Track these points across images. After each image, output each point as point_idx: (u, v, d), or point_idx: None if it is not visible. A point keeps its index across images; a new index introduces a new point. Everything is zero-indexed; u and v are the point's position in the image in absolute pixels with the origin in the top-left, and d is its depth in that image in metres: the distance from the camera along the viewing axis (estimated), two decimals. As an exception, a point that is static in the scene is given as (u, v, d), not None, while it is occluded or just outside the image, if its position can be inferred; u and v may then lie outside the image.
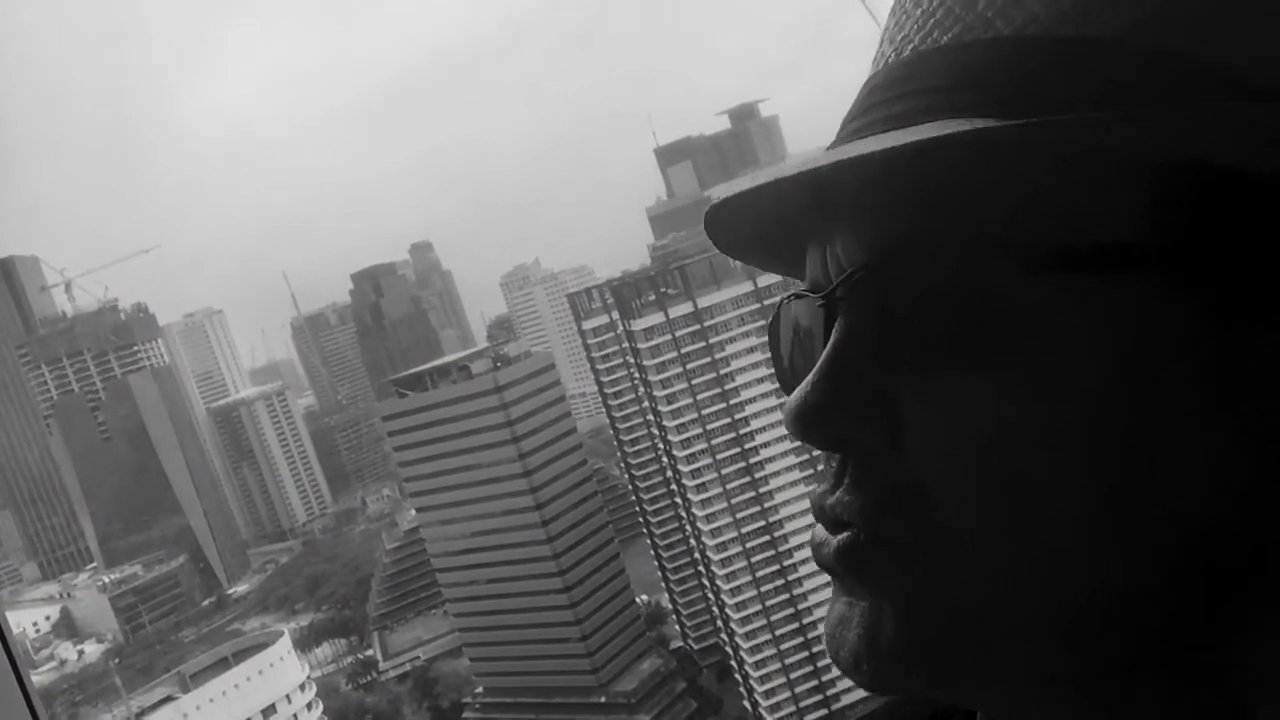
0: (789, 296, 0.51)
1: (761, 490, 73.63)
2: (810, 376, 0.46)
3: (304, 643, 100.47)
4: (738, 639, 74.20)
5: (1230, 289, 0.41)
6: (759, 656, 73.19)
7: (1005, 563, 0.43)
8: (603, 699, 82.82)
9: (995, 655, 0.45)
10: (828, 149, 0.47)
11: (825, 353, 0.46)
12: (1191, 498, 0.42)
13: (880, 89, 0.47)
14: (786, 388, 0.51)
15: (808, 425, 0.46)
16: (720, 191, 0.50)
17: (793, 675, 72.56)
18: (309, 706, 70.24)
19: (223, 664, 71.63)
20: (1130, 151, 0.41)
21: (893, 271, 0.45)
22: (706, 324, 75.15)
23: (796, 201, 0.48)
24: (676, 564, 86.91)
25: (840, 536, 0.46)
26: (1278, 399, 0.41)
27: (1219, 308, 0.41)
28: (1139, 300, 0.41)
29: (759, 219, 0.51)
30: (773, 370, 0.54)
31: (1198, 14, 0.41)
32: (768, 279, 71.09)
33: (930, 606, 0.45)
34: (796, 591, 73.08)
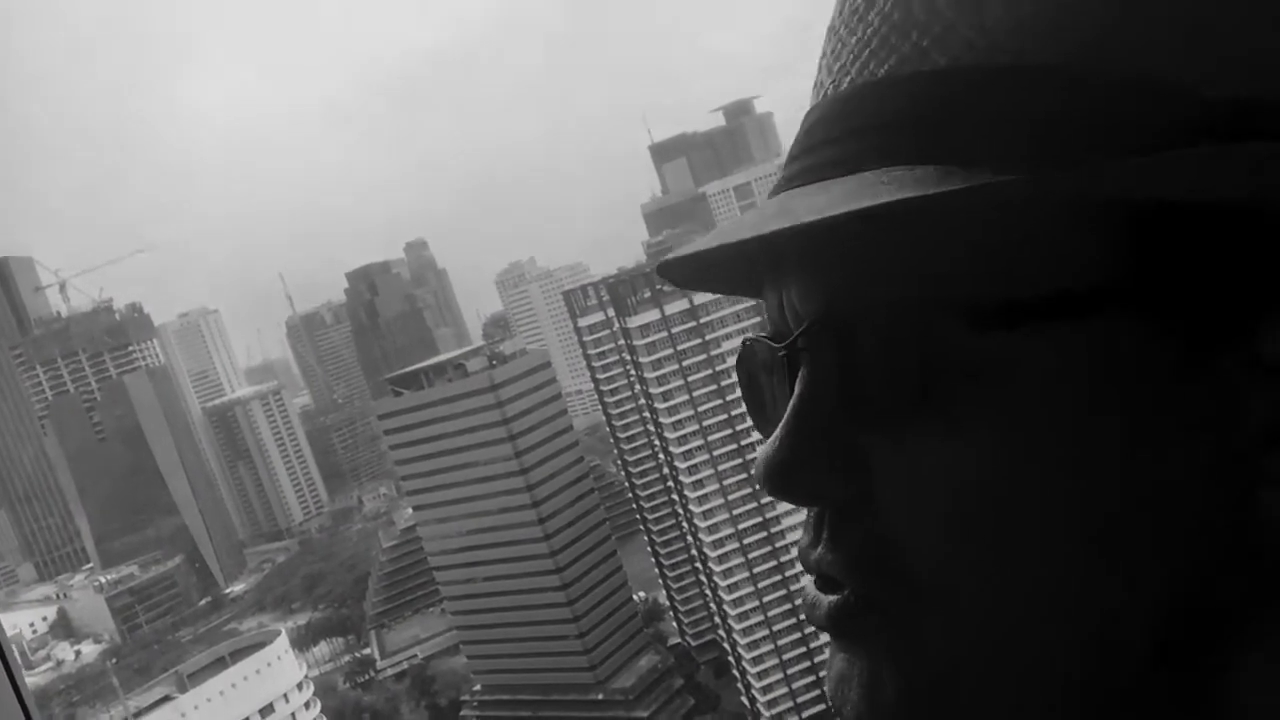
0: (749, 340, 0.51)
1: (757, 486, 73.42)
2: (777, 433, 0.46)
3: (301, 642, 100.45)
4: (735, 635, 74.26)
5: (1185, 314, 0.41)
6: (756, 653, 73.26)
7: (990, 616, 0.43)
8: (600, 696, 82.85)
9: (992, 708, 0.45)
10: (772, 193, 0.48)
11: (790, 408, 0.46)
12: (1172, 532, 0.42)
13: (821, 126, 0.46)
14: (758, 426, 0.51)
15: (777, 483, 0.46)
16: (672, 253, 0.50)
17: (790, 671, 72.63)
18: (306, 705, 70.20)
19: (220, 664, 71.56)
20: (1075, 201, 0.41)
21: (846, 327, 0.44)
22: (702, 320, 75.18)
23: (747, 254, 0.47)
24: (674, 561, 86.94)
25: (830, 599, 0.47)
26: (1243, 417, 0.41)
27: (1176, 334, 0.41)
28: (1094, 341, 0.41)
29: (711, 265, 0.51)
30: None
31: (1139, 33, 0.40)
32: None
33: (924, 666, 0.45)
34: (794, 588, 73.09)
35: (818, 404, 0.45)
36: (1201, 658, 0.43)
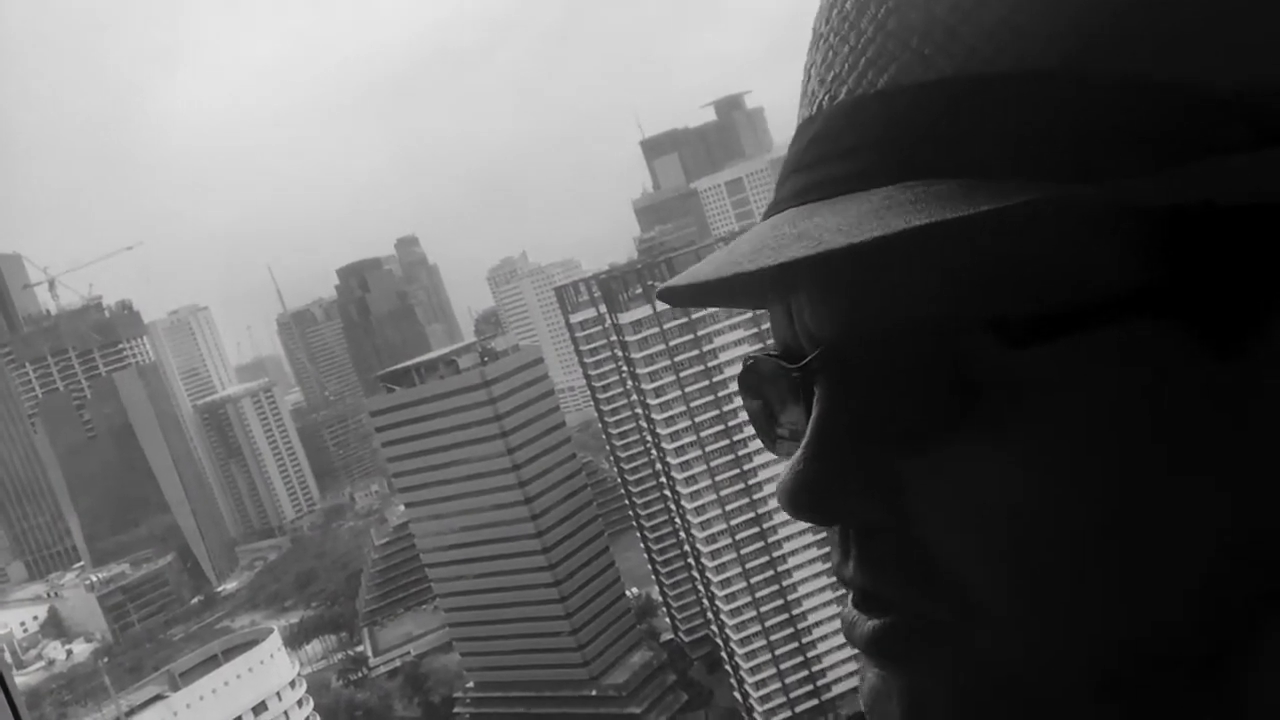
0: (753, 358, 0.51)
1: (750, 482, 73.74)
2: (799, 454, 0.46)
3: (294, 640, 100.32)
4: (728, 630, 74.38)
5: (1218, 312, 0.40)
6: (749, 648, 73.40)
7: (1035, 631, 0.43)
8: (594, 692, 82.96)
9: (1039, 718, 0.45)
10: (774, 206, 0.47)
11: (810, 430, 0.45)
12: (1210, 535, 0.41)
13: (826, 138, 0.45)
14: (766, 444, 0.51)
15: (803, 504, 0.45)
16: (674, 280, 0.50)
17: (783, 666, 72.81)
18: (299, 703, 70.09)
19: (212, 662, 71.35)
20: (1106, 214, 0.40)
21: (869, 348, 0.44)
22: (694, 316, 75.12)
23: (754, 272, 0.44)
24: (666, 556, 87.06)
25: (870, 623, 0.46)
26: (1269, 410, 0.41)
27: (1209, 331, 0.40)
28: (1129, 349, 0.41)
29: (715, 286, 0.49)
30: None
31: (1148, 31, 0.40)
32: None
33: (969, 684, 0.45)
34: (786, 583, 73.28)
35: (841, 425, 0.45)
36: (1226, 659, 0.43)
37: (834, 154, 0.45)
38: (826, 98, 0.46)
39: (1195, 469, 0.41)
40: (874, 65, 0.44)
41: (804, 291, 0.46)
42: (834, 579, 0.48)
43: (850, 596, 0.47)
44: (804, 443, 0.45)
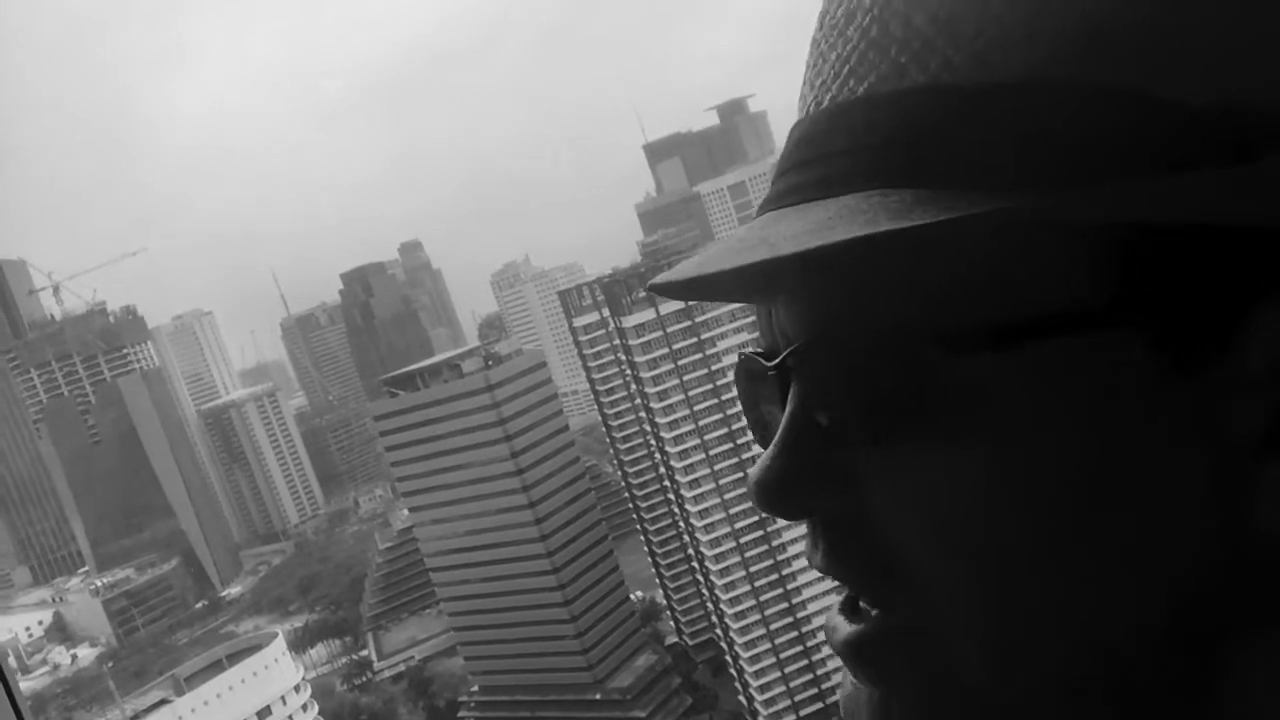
0: (744, 355, 0.52)
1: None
2: (769, 451, 0.47)
3: (298, 644, 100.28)
4: (732, 634, 74.28)
5: (1172, 329, 0.40)
6: (754, 651, 73.30)
7: (982, 632, 0.44)
8: (598, 696, 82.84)
9: None
10: (761, 208, 0.48)
11: (781, 426, 0.47)
12: (1165, 544, 0.42)
13: (804, 144, 0.47)
14: (756, 438, 0.52)
15: (767, 499, 0.47)
16: (660, 276, 0.51)
17: (788, 669, 72.69)
18: (304, 708, 70.12)
19: (217, 666, 71.41)
20: (1058, 228, 0.40)
21: (833, 349, 0.45)
22: (698, 320, 75.16)
23: (736, 270, 0.45)
24: (670, 560, 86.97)
25: (848, 629, 0.47)
26: (1232, 427, 0.41)
27: (1164, 349, 0.40)
28: (1080, 360, 0.41)
29: (703, 283, 0.50)
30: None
31: (1118, 44, 0.40)
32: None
33: (933, 694, 0.46)
34: (791, 586, 73.20)
35: (808, 424, 0.46)
36: (1197, 665, 0.43)
37: (812, 158, 0.46)
38: (814, 103, 0.47)
39: (1146, 482, 0.41)
40: (855, 73, 0.45)
41: (778, 291, 0.48)
42: (838, 582, 0.49)
43: (839, 606, 0.49)
44: (774, 439, 0.47)
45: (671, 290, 0.52)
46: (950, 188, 0.41)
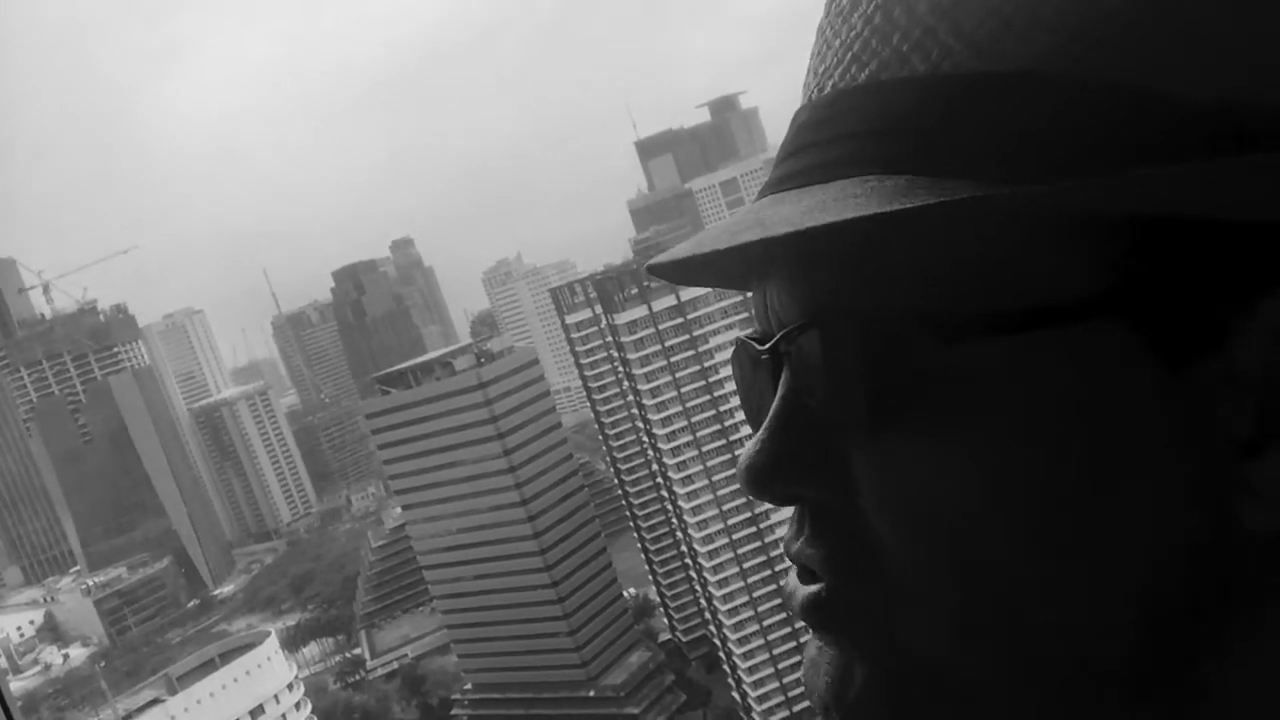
0: (740, 340, 0.52)
1: (739, 487, 73.57)
2: (757, 435, 0.47)
3: (291, 642, 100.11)
4: (725, 630, 74.38)
5: (1163, 326, 0.40)
6: (747, 647, 73.41)
7: (962, 617, 0.44)
8: (592, 693, 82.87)
9: (956, 707, 0.45)
10: (759, 195, 0.49)
11: (771, 411, 0.47)
12: (1148, 540, 0.42)
13: (805, 130, 0.47)
14: (751, 424, 0.52)
15: (756, 484, 0.47)
16: (657, 257, 0.51)
17: (780, 665, 72.80)
18: (297, 706, 70.05)
19: (210, 665, 71.29)
20: (1054, 216, 0.41)
21: (823, 334, 0.45)
22: (690, 316, 75.18)
23: (733, 253, 0.47)
24: (663, 557, 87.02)
25: (806, 590, 0.48)
26: (1220, 427, 0.41)
27: (1155, 346, 0.41)
28: (1070, 353, 0.41)
29: (701, 265, 0.51)
30: None
31: (1121, 38, 0.40)
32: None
33: (893, 660, 0.46)
34: (783, 581, 72.79)
35: (797, 409, 0.46)
36: (1174, 661, 0.43)
37: (813, 144, 0.46)
38: (816, 89, 0.47)
39: (1132, 476, 0.41)
40: (858, 60, 0.45)
41: (772, 276, 0.48)
42: (813, 569, 0.48)
43: (797, 572, 0.49)
44: (764, 424, 0.47)
45: (669, 272, 0.53)
46: (947, 176, 0.41)
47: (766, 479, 0.47)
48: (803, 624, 0.48)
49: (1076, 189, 0.39)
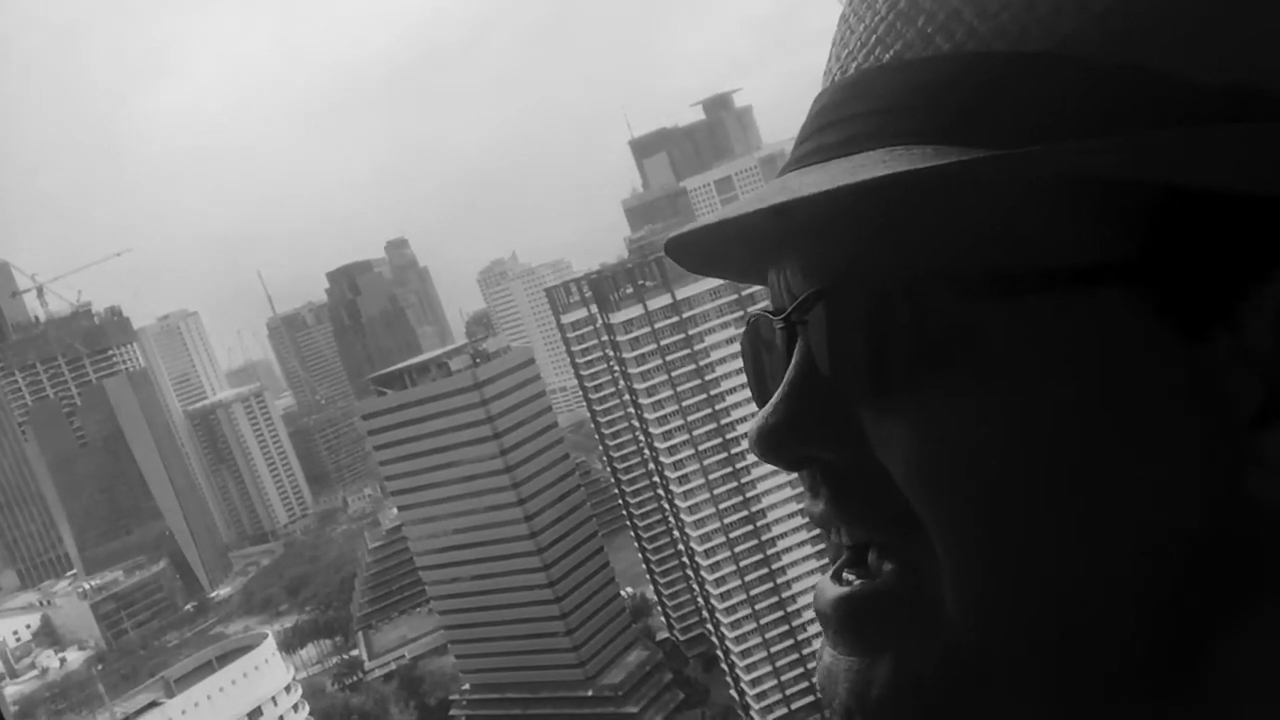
0: (753, 316, 0.53)
1: (744, 480, 73.74)
2: (772, 400, 0.49)
3: (288, 644, 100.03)
4: (723, 629, 74.41)
5: (1178, 295, 0.42)
6: (744, 646, 73.41)
7: (974, 580, 0.45)
8: (590, 692, 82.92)
9: (980, 694, 0.46)
10: (781, 172, 0.50)
11: (786, 377, 0.49)
12: (1160, 509, 0.42)
13: (827, 110, 0.48)
14: (758, 400, 0.53)
15: (768, 445, 0.48)
16: (676, 230, 0.52)
17: (778, 663, 72.84)
18: (295, 708, 70.08)
19: (207, 668, 71.27)
20: (1075, 179, 0.42)
21: (840, 298, 0.46)
22: (685, 315, 75.15)
23: (748, 236, 0.50)
24: (661, 556, 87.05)
25: (838, 590, 0.49)
26: (1232, 398, 0.42)
27: (1169, 314, 0.42)
28: (1085, 317, 0.42)
29: (718, 245, 0.53)
30: None
31: (1135, 20, 0.41)
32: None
33: (914, 661, 0.47)
34: (780, 580, 73.32)
35: (812, 373, 0.48)
36: (1186, 635, 0.44)
37: (837, 120, 0.47)
38: (839, 72, 0.49)
39: (1143, 440, 0.42)
40: (882, 42, 0.47)
41: (789, 249, 0.50)
42: (840, 530, 0.49)
43: (831, 575, 0.50)
44: (779, 389, 0.49)
45: (686, 258, 0.55)
46: (975, 146, 0.42)
47: (780, 439, 0.48)
48: (830, 629, 0.49)
49: (1105, 150, 0.40)
